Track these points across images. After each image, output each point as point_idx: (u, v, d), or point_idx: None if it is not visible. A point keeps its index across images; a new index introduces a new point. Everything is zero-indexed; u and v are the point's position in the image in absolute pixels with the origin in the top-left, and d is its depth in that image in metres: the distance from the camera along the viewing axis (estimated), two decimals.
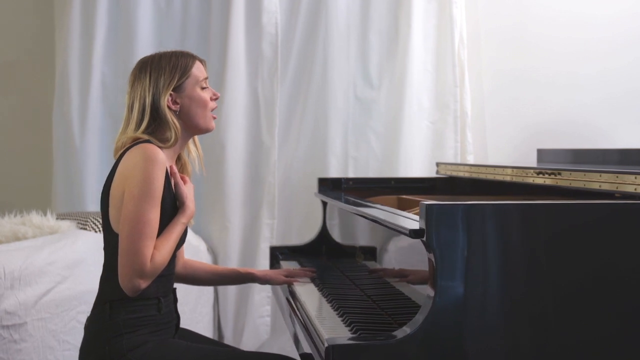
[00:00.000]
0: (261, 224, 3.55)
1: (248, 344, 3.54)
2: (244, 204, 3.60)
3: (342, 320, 1.83)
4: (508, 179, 2.27)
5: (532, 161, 3.00)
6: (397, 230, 1.65)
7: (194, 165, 2.13)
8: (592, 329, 1.51)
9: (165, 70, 1.95)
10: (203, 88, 2.00)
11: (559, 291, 1.50)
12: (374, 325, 1.77)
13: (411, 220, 1.67)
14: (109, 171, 3.55)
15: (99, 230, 3.07)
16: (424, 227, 1.48)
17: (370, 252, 2.31)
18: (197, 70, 2.00)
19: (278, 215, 3.57)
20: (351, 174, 3.55)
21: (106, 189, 1.98)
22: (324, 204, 2.84)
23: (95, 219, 3.13)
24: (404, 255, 2.01)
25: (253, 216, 3.59)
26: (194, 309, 3.40)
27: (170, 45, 3.64)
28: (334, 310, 1.95)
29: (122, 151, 1.98)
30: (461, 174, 2.68)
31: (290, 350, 3.64)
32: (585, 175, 1.83)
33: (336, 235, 2.77)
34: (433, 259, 1.47)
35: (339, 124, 3.57)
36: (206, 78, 2.02)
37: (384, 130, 3.57)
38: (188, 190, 2.00)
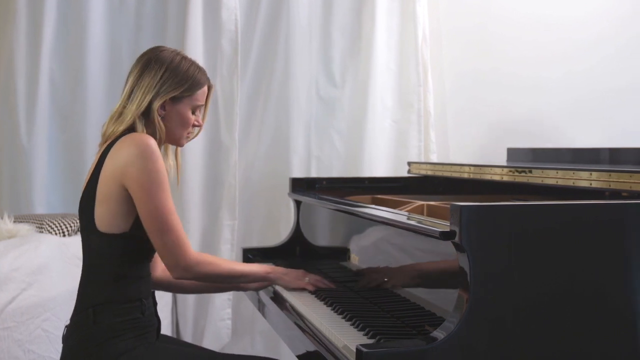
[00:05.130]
0: (222, 226, 3.46)
1: (208, 347, 3.45)
2: (204, 205, 3.50)
3: (352, 325, 1.79)
4: (483, 176, 2.28)
5: (498, 161, 3.01)
6: (424, 233, 1.62)
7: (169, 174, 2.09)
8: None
9: (176, 77, 1.96)
10: (194, 112, 2.02)
11: (595, 288, 1.51)
12: (389, 329, 1.73)
13: (433, 222, 1.65)
14: (57, 171, 3.50)
15: (58, 233, 2.94)
16: (455, 229, 1.46)
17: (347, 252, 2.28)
18: (201, 94, 2.02)
19: (239, 216, 3.50)
20: (314, 174, 3.51)
21: (91, 188, 1.88)
22: (297, 204, 2.79)
23: (51, 222, 2.99)
24: (385, 253, 1.99)
25: (213, 218, 3.50)
26: None
27: (124, 41, 3.55)
28: (338, 314, 1.90)
29: (106, 145, 1.90)
30: (438, 173, 2.67)
31: (251, 352, 3.58)
32: (575, 174, 1.86)
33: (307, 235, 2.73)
34: (466, 261, 1.45)
35: (301, 123, 3.52)
36: (202, 105, 2.04)
37: (347, 129, 3.55)
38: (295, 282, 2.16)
